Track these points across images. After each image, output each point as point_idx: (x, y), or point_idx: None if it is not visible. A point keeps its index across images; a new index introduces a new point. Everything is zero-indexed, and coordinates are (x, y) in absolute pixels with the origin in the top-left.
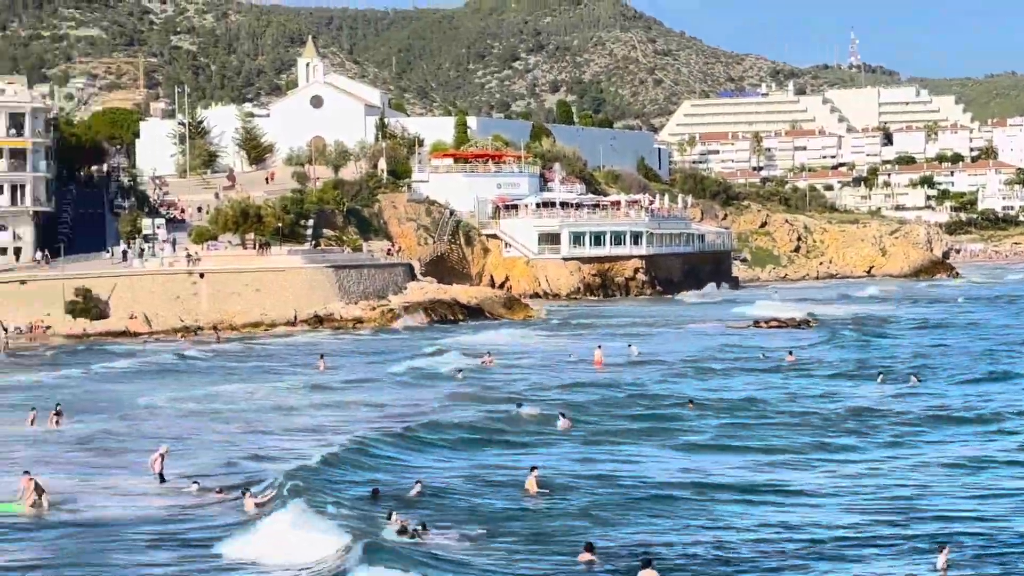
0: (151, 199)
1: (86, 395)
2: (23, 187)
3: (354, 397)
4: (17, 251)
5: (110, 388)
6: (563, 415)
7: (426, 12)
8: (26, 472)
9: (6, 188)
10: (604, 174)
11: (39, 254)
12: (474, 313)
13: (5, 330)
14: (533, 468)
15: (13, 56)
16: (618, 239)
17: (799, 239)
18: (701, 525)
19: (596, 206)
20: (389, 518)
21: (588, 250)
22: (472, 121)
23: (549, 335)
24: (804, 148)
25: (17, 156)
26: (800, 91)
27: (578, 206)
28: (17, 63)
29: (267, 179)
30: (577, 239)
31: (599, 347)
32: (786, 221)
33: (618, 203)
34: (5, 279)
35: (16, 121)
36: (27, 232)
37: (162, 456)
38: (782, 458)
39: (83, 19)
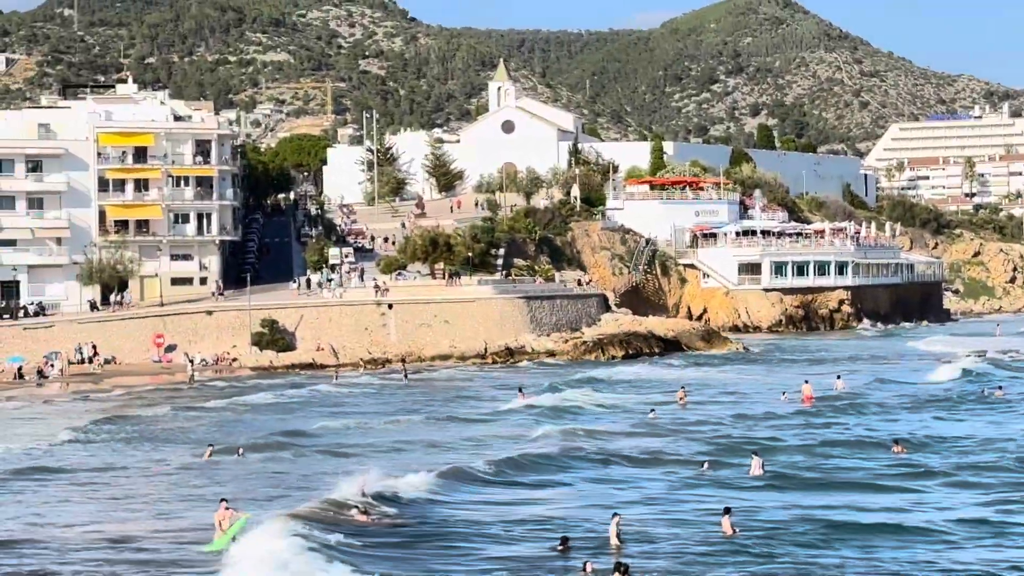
0: (338, 227)
1: (267, 427)
2: (209, 216)
3: (496, 431)
4: (203, 281)
5: (289, 422)
6: (755, 454)
7: (621, 33)
8: (223, 500)
9: (192, 216)
10: (807, 201)
11: (215, 286)
12: (671, 346)
13: (192, 362)
14: (727, 510)
15: (200, 82)
16: (822, 269)
17: (1015, 269)
18: (925, 564)
19: (799, 235)
20: (584, 569)
21: (790, 281)
22: (669, 146)
23: (750, 369)
24: (1020, 173)
25: (203, 184)
26: (1016, 113)
27: (780, 235)
28: (204, 89)
29: (452, 207)
30: (779, 269)
31: (806, 382)
32: (1001, 250)
33: (822, 231)
34: (192, 310)
35: (203, 148)
36: (213, 262)
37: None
38: (1007, 495)
39: (270, 44)
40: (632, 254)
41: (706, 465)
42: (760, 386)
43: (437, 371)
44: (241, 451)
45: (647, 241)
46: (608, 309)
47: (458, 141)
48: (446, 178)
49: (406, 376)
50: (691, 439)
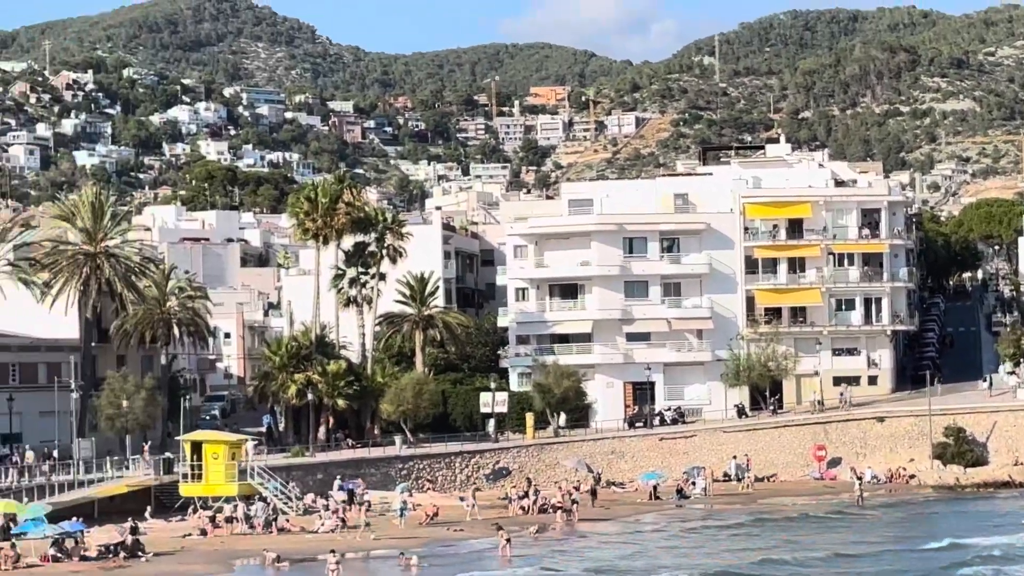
0: None
1: None
2: (878, 300)
3: None
4: (872, 380)
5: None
6: None
7: None
8: None
9: (858, 302)
10: None
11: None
12: None
13: (860, 479)
14: None
15: (865, 138)
16: None
17: None
18: None
19: None
20: None
21: None
22: None
23: None
24: None
25: (871, 262)
26: None
27: None
28: (870, 146)
29: None
30: None
31: None
32: None
33: None
34: (859, 416)
35: (870, 218)
36: (884, 356)
37: None
38: None
39: (951, 90)
40: None
41: None
42: None
43: None
44: None
45: None
46: None
47: None
48: None
49: None
50: None
